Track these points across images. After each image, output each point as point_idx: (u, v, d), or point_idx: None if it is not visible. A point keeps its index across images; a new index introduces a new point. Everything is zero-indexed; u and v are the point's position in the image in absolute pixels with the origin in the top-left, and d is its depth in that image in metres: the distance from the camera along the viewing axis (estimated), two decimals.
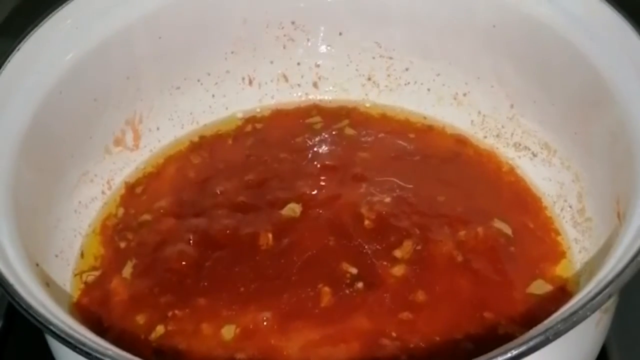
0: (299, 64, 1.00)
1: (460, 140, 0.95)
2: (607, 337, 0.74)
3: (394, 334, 0.74)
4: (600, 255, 0.75)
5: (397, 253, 0.81)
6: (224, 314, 0.77)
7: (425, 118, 0.98)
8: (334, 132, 0.96)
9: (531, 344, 0.55)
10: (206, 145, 0.96)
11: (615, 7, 0.79)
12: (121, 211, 0.90)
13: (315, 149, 0.94)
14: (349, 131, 0.96)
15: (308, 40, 0.99)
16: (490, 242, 0.83)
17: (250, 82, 1.00)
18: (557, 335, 0.56)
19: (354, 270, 0.79)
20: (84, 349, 0.57)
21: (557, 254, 0.83)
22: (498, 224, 0.84)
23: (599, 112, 0.79)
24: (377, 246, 0.81)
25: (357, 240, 0.82)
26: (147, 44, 0.90)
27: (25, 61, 0.80)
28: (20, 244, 0.69)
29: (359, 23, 0.97)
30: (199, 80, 0.97)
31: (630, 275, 0.59)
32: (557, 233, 0.85)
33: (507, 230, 0.84)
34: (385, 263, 0.80)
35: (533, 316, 0.75)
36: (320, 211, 0.85)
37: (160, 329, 0.77)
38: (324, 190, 0.88)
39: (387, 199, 0.86)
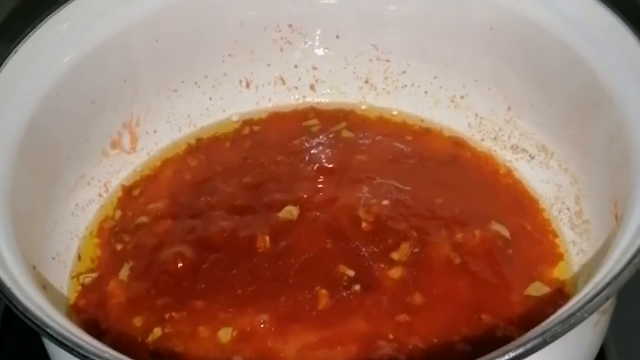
0: (296, 66, 1.00)
1: (458, 143, 0.95)
2: (605, 339, 0.74)
3: (391, 337, 0.74)
4: (598, 257, 0.75)
5: (395, 255, 0.81)
6: (221, 316, 0.77)
7: (422, 121, 0.98)
8: (331, 135, 0.96)
9: (528, 346, 0.55)
10: (203, 147, 0.96)
11: (613, 10, 0.79)
12: (118, 214, 0.90)
13: (312, 152, 0.94)
14: (346, 134, 0.96)
15: (305, 43, 0.99)
16: (488, 245, 0.82)
17: (248, 85, 1.00)
18: (555, 337, 0.56)
19: (351, 273, 0.79)
20: (81, 351, 0.57)
21: (555, 256, 0.83)
22: (495, 226, 0.84)
23: (596, 114, 0.79)
24: (375, 249, 0.81)
25: (354, 243, 0.82)
26: (144, 46, 0.90)
27: (22, 64, 0.80)
28: (17, 246, 0.69)
29: (356, 26, 0.97)
30: (196, 83, 0.97)
31: (627, 277, 0.59)
32: (555, 235, 0.85)
33: (505, 232, 0.84)
34: (382, 265, 0.80)
35: (531, 318, 0.75)
36: (318, 214, 0.85)
37: (157, 332, 0.77)
38: (321, 193, 0.88)
39: (385, 202, 0.86)
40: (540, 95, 0.88)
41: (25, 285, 0.64)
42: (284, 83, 1.01)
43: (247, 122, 0.99)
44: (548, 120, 0.88)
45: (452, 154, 0.94)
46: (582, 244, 0.82)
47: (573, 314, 0.57)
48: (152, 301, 0.79)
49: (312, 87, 1.01)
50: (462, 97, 0.96)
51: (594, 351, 0.71)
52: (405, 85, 0.99)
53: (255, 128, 0.98)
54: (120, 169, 0.93)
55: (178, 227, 0.85)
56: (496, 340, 0.74)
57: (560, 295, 0.78)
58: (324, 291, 0.78)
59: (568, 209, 0.86)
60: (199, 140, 0.97)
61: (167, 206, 0.88)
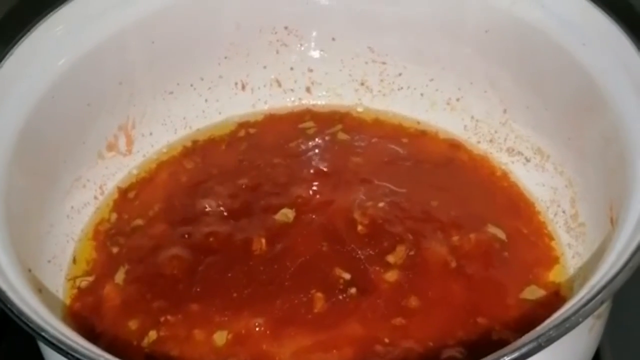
0: (292, 69, 1.00)
1: (454, 145, 0.95)
2: (601, 343, 0.74)
3: (386, 340, 0.74)
4: (594, 261, 0.75)
5: (390, 258, 0.81)
6: (216, 319, 0.77)
7: (418, 123, 0.97)
8: (327, 137, 0.96)
9: (523, 350, 0.55)
10: (199, 150, 0.96)
11: (608, 13, 0.79)
12: (114, 216, 0.90)
13: (308, 154, 0.94)
14: (342, 136, 0.96)
15: (301, 45, 0.99)
16: (484, 247, 0.83)
17: (244, 87, 1.00)
18: (550, 341, 0.56)
19: (347, 276, 0.79)
20: (76, 355, 0.57)
21: (551, 259, 0.83)
22: (491, 229, 0.84)
23: (592, 117, 0.79)
24: (370, 251, 0.81)
25: (350, 246, 0.82)
26: (140, 49, 0.90)
27: (17, 66, 0.79)
28: (12, 249, 0.69)
29: (352, 28, 0.97)
30: (192, 85, 0.97)
31: (623, 281, 0.59)
32: (551, 238, 0.85)
33: (501, 235, 0.84)
34: (378, 268, 0.80)
35: (526, 322, 0.75)
36: (314, 216, 0.85)
37: (152, 335, 0.77)
38: (317, 196, 0.88)
39: (381, 204, 0.86)
40: (536, 98, 0.88)
41: (21, 289, 0.64)
42: (279, 85, 1.00)
43: (243, 125, 0.99)
44: (544, 123, 0.88)
45: (448, 157, 0.94)
46: (577, 247, 0.82)
47: (568, 318, 0.57)
48: (147, 304, 0.79)
49: (308, 90, 1.01)
50: (458, 100, 0.96)
51: (589, 355, 0.71)
52: (401, 88, 0.99)
53: (251, 130, 0.98)
54: (116, 172, 0.93)
55: (174, 229, 0.85)
56: (492, 344, 0.74)
57: (556, 298, 0.79)
58: (319, 294, 0.78)
59: (564, 212, 0.86)
60: (194, 142, 0.97)
61: (162, 209, 0.88)
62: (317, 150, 0.95)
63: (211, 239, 0.84)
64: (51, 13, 0.83)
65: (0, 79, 0.78)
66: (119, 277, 0.82)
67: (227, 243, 0.83)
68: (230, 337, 0.75)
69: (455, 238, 0.83)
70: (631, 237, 0.63)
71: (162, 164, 0.95)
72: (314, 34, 0.99)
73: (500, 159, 0.93)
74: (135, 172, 0.94)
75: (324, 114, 1.00)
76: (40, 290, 0.75)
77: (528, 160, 0.91)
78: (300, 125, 0.98)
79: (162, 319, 0.77)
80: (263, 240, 0.83)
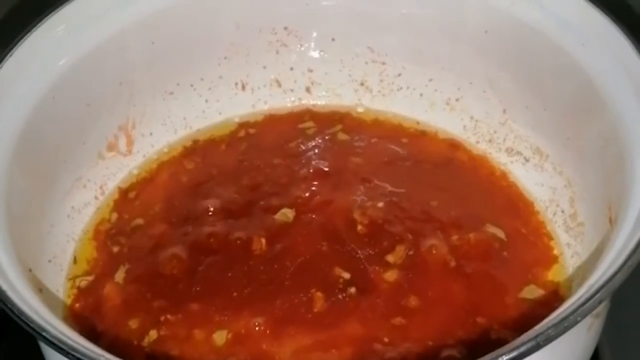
0: (291, 69, 1.00)
1: (453, 145, 0.95)
2: (600, 342, 0.74)
3: (386, 340, 0.74)
4: (592, 260, 0.75)
5: (390, 258, 0.81)
6: (216, 319, 0.77)
7: (418, 123, 0.98)
8: (327, 137, 0.96)
9: (522, 349, 0.55)
10: (199, 150, 0.96)
11: (607, 13, 0.79)
12: (114, 216, 0.90)
13: (308, 154, 0.94)
14: (342, 136, 0.96)
15: (301, 45, 0.99)
16: (483, 247, 0.83)
17: (243, 87, 1.00)
18: (548, 340, 0.56)
19: (346, 276, 0.79)
20: (77, 355, 0.57)
21: (550, 258, 0.83)
22: (491, 229, 0.84)
23: (591, 117, 0.79)
24: (370, 251, 0.81)
25: (350, 246, 0.82)
26: (140, 49, 0.90)
27: (18, 67, 0.80)
28: (12, 249, 0.69)
29: (352, 28, 0.97)
30: (192, 86, 0.97)
31: (621, 280, 0.59)
32: (550, 238, 0.85)
33: (500, 235, 0.84)
34: (378, 268, 0.80)
35: (526, 321, 0.75)
36: (313, 216, 0.85)
37: (153, 334, 0.77)
38: (317, 196, 0.88)
39: (380, 204, 0.86)
40: (535, 98, 0.88)
41: (21, 289, 0.64)
42: (279, 85, 1.01)
43: (243, 125, 0.99)
44: (543, 123, 0.88)
45: (448, 157, 0.94)
46: (576, 246, 0.82)
47: (566, 317, 0.57)
48: (147, 304, 0.79)
49: (307, 90, 1.01)
50: (457, 100, 0.96)
51: (588, 354, 0.71)
52: (401, 88, 0.99)
53: (251, 130, 0.98)
54: (116, 172, 0.93)
55: (174, 229, 0.86)
56: (491, 343, 0.74)
57: (555, 297, 0.79)
58: (319, 294, 0.78)
59: (563, 211, 0.86)
60: (195, 142, 0.97)
61: (163, 209, 0.88)
62: (317, 151, 0.95)
63: (211, 239, 0.84)
64: (51, 13, 0.84)
65: (1, 79, 0.78)
66: (119, 276, 0.82)
67: (227, 243, 0.83)
68: (230, 336, 0.76)
69: (454, 238, 0.83)
70: (630, 236, 0.63)
71: (163, 164, 0.95)
72: (314, 34, 0.99)
73: (500, 158, 0.93)
74: (135, 172, 0.94)
75: (323, 114, 1.00)
76: (40, 290, 0.75)
77: (527, 160, 0.91)
78: (300, 126, 0.98)
79: (163, 318, 0.77)
80: (263, 240, 0.83)
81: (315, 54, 1.00)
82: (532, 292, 0.79)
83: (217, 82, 0.98)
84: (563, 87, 0.83)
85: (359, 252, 0.81)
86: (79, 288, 0.82)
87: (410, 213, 0.85)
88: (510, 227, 0.85)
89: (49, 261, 0.82)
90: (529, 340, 0.55)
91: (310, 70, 1.00)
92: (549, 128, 0.88)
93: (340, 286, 0.79)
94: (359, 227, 0.84)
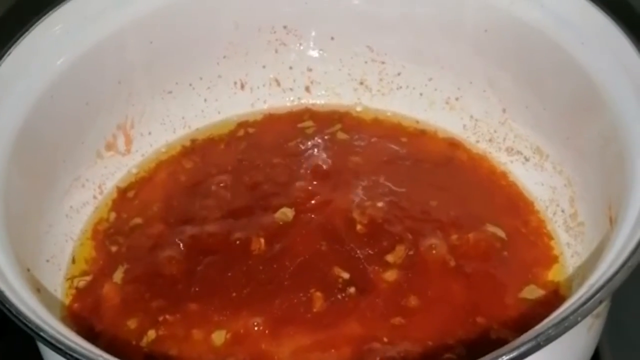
0: (291, 68, 1.00)
1: (453, 145, 0.95)
2: (600, 341, 0.74)
3: (385, 339, 0.74)
4: (592, 260, 0.75)
5: (390, 258, 0.81)
6: (215, 319, 0.77)
7: (417, 122, 0.97)
8: (326, 137, 0.96)
9: (522, 349, 0.55)
10: (198, 149, 0.96)
11: (607, 12, 0.79)
12: (113, 216, 0.90)
13: (307, 154, 0.94)
14: (342, 135, 0.96)
15: (300, 44, 0.99)
16: (483, 247, 0.82)
17: (243, 87, 1.00)
18: (548, 340, 0.56)
19: (346, 275, 0.79)
20: (75, 355, 0.57)
21: (550, 258, 0.83)
22: (490, 229, 0.84)
23: (591, 116, 0.79)
24: (370, 251, 0.81)
25: (349, 245, 0.82)
26: (138, 48, 0.90)
27: (16, 65, 0.79)
28: (11, 249, 0.69)
29: (351, 27, 0.96)
30: (190, 85, 0.97)
31: (621, 280, 0.59)
32: (550, 237, 0.85)
33: (500, 234, 0.84)
34: (377, 268, 0.80)
35: (526, 321, 0.75)
36: (313, 216, 0.85)
37: (151, 334, 0.77)
38: (316, 195, 0.88)
39: (380, 204, 0.86)
40: (534, 98, 0.88)
41: (19, 288, 0.64)
42: (278, 85, 1.00)
43: (242, 124, 0.99)
44: (543, 122, 0.88)
45: (447, 156, 0.94)
46: (576, 246, 0.82)
47: (567, 317, 0.57)
48: (146, 304, 0.79)
49: (307, 89, 1.01)
50: (457, 99, 0.96)
51: (588, 354, 0.71)
52: (400, 87, 0.99)
53: (250, 130, 0.98)
54: (115, 171, 0.93)
55: (173, 229, 0.85)
56: (491, 343, 0.74)
57: (555, 297, 0.78)
58: (318, 294, 0.78)
59: (563, 211, 0.86)
60: (193, 142, 0.97)
61: (161, 208, 0.88)
62: (316, 150, 0.95)
63: (210, 239, 0.84)
64: (50, 12, 0.83)
65: None
66: (118, 276, 0.82)
67: (226, 243, 0.83)
68: (229, 336, 0.75)
69: (454, 237, 0.83)
70: (630, 236, 0.63)
71: (161, 164, 0.95)
72: (313, 33, 0.98)
73: (499, 158, 0.93)
74: (134, 171, 0.94)
75: (323, 113, 1.00)
76: (39, 290, 0.75)
77: (527, 160, 0.91)
78: (300, 125, 0.98)
79: (161, 318, 0.77)
80: (262, 240, 0.83)
81: (314, 53, 1.00)
82: (532, 292, 0.79)
83: (216, 81, 0.98)
84: (563, 86, 0.83)
85: (358, 251, 0.81)
86: (77, 288, 0.82)
87: (410, 212, 0.85)
88: (510, 226, 0.85)
89: (47, 261, 0.82)
90: (529, 340, 0.55)
91: (310, 70, 1.00)
92: (548, 127, 0.87)
93: (340, 286, 0.78)
94: (359, 227, 0.84)
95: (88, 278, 0.83)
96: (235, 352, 0.74)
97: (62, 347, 0.58)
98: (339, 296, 0.78)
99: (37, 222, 0.81)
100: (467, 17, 0.90)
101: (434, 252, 0.81)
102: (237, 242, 0.83)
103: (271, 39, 0.98)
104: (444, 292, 0.78)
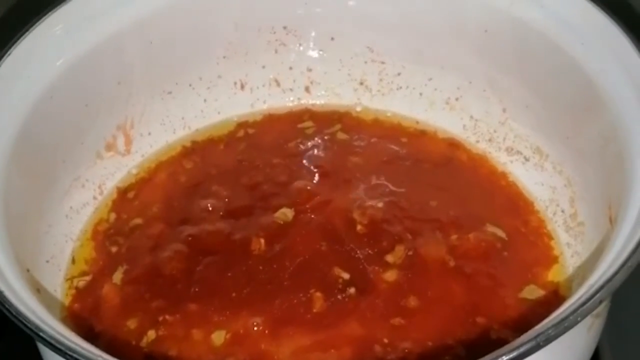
0: (291, 68, 1.00)
1: (453, 145, 0.95)
2: (600, 341, 0.74)
3: (385, 340, 0.74)
4: (592, 260, 0.75)
5: (389, 258, 0.81)
6: (215, 319, 0.77)
7: (417, 122, 0.97)
8: (326, 137, 0.96)
9: (522, 349, 0.55)
10: (198, 150, 0.96)
11: (607, 13, 0.79)
12: (113, 216, 0.90)
13: (307, 154, 0.94)
14: (341, 136, 0.96)
15: (300, 45, 0.99)
16: (483, 247, 0.82)
17: (242, 87, 1.00)
18: (548, 340, 0.56)
19: (346, 276, 0.79)
20: (75, 355, 0.57)
21: (550, 258, 0.83)
22: (490, 229, 0.84)
23: (590, 116, 0.79)
24: (369, 251, 0.81)
25: (349, 245, 0.82)
26: (138, 49, 0.90)
27: (15, 66, 0.79)
28: (10, 250, 0.69)
29: (351, 28, 0.97)
30: (190, 85, 0.97)
31: (621, 280, 0.59)
32: (550, 237, 0.85)
33: (500, 234, 0.84)
34: (377, 268, 0.80)
35: (526, 321, 0.75)
36: (313, 216, 0.85)
37: (151, 334, 0.77)
38: (316, 195, 0.88)
39: (380, 204, 0.86)
40: (534, 98, 0.88)
41: (19, 289, 0.64)
42: (278, 85, 1.00)
43: (242, 124, 0.99)
44: (543, 122, 0.88)
45: (447, 156, 0.94)
46: (576, 246, 0.82)
47: (567, 317, 0.57)
48: (146, 304, 0.79)
49: (307, 89, 1.01)
50: (457, 99, 0.96)
51: (588, 354, 0.71)
52: (400, 87, 0.99)
53: (250, 130, 0.98)
54: (114, 172, 0.93)
55: (172, 229, 0.85)
56: (491, 343, 0.74)
57: (555, 297, 0.78)
58: (318, 294, 0.78)
59: (563, 211, 0.86)
60: (193, 142, 0.97)
61: (161, 209, 0.88)
62: (316, 150, 0.95)
63: (210, 239, 0.84)
64: (49, 13, 0.83)
65: None
66: (118, 277, 0.82)
67: (226, 243, 0.83)
68: (229, 336, 0.75)
69: (454, 237, 0.82)
70: (630, 236, 0.63)
71: (161, 164, 0.95)
72: (313, 33, 0.98)
73: (499, 158, 0.93)
74: (134, 172, 0.94)
75: (323, 113, 1.00)
76: (38, 290, 0.75)
77: (527, 160, 0.91)
78: (299, 125, 0.98)
79: (161, 318, 0.77)
80: (262, 240, 0.83)
81: (314, 54, 1.00)
82: (532, 292, 0.79)
83: (215, 81, 0.98)
84: (563, 86, 0.83)
85: (358, 252, 0.81)
86: (77, 288, 0.82)
87: (410, 213, 0.85)
88: (510, 226, 0.85)
89: (47, 261, 0.82)
90: (529, 340, 0.55)
91: (310, 70, 1.00)
92: (549, 127, 0.87)
93: (340, 286, 0.78)
94: (359, 227, 0.84)
95: (88, 278, 0.83)
96: (235, 352, 0.74)
97: (62, 348, 0.58)
98: (339, 296, 0.78)
99: (37, 222, 0.81)
100: (467, 18, 0.90)
101: (433, 252, 0.81)
102: (237, 242, 0.83)
103: (271, 39, 0.98)
104: (444, 292, 0.78)
